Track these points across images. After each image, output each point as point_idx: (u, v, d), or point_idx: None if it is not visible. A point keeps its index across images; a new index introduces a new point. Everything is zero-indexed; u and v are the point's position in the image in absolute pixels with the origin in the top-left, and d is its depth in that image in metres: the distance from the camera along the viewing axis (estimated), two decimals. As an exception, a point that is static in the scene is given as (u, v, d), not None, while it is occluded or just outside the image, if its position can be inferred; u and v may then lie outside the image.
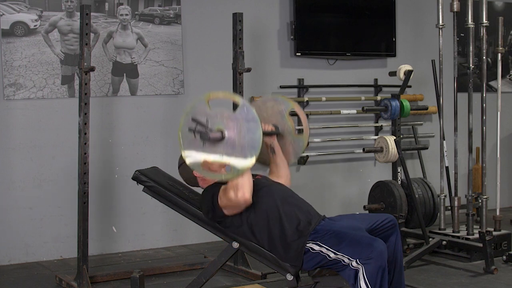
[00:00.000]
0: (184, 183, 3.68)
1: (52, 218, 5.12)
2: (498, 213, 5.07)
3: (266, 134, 3.52)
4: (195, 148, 3.23)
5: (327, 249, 3.14)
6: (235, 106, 3.25)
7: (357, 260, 3.04)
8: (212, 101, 3.26)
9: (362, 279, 3.01)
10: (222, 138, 3.18)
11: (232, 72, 4.75)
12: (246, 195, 3.22)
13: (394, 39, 6.30)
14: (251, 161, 3.14)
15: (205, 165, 3.28)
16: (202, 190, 3.48)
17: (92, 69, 4.22)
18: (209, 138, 3.17)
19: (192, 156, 3.25)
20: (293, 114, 3.72)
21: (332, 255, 3.13)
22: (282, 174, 3.68)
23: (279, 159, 3.68)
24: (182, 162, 3.54)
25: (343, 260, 3.09)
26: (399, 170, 5.30)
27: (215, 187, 3.36)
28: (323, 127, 6.11)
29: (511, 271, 4.60)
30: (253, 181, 3.37)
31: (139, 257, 5.19)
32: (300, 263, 3.22)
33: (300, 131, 3.75)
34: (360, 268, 3.03)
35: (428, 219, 5.36)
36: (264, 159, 3.68)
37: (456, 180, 5.17)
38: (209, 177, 3.31)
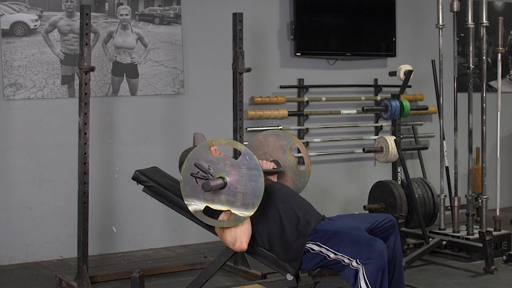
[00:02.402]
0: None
1: (52, 218, 5.12)
2: (498, 213, 5.07)
3: (267, 173, 3.51)
4: (197, 195, 3.21)
5: (327, 249, 3.15)
6: (235, 152, 3.25)
7: (357, 260, 3.04)
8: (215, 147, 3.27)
9: (362, 279, 3.01)
10: (224, 185, 3.17)
11: (232, 72, 4.75)
12: (244, 245, 3.26)
13: (394, 39, 6.30)
14: (252, 209, 3.13)
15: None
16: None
17: (92, 69, 4.22)
18: (210, 189, 3.14)
19: (194, 204, 3.23)
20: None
21: (332, 255, 3.13)
22: None
23: None
24: (182, 162, 3.53)
25: (343, 260, 3.09)
26: (399, 170, 5.30)
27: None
28: (323, 127, 6.11)
29: (511, 271, 4.60)
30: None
31: (139, 257, 5.19)
32: (299, 263, 3.22)
33: (302, 167, 3.74)
34: (360, 268, 3.03)
35: (428, 219, 5.36)
36: None
37: (456, 180, 5.17)
38: (213, 224, 3.28)
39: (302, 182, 3.73)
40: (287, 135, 3.75)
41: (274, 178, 3.69)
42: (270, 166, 3.66)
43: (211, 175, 3.17)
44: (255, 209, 3.13)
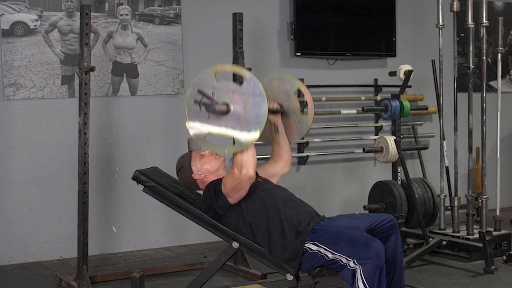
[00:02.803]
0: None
1: (52, 218, 5.12)
2: (498, 213, 5.07)
3: (271, 111, 3.47)
4: (200, 120, 3.21)
5: (325, 249, 3.15)
6: (241, 81, 3.23)
7: (355, 260, 3.04)
8: (219, 73, 3.24)
9: (360, 279, 3.01)
10: (228, 111, 3.16)
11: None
12: (250, 172, 3.21)
13: (394, 39, 6.30)
14: (255, 135, 3.12)
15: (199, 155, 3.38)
16: (203, 191, 3.48)
17: (92, 69, 4.22)
18: (214, 110, 3.14)
19: (196, 128, 3.23)
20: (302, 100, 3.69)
21: (330, 255, 3.13)
22: (284, 155, 3.66)
23: (281, 139, 3.65)
24: (180, 167, 3.53)
25: (341, 260, 3.09)
26: (399, 170, 5.30)
27: (216, 180, 3.37)
28: (323, 127, 6.11)
29: (511, 271, 4.60)
30: (254, 183, 3.38)
31: (139, 257, 5.19)
32: (298, 263, 3.22)
33: (305, 111, 3.73)
34: (357, 268, 3.03)
35: (428, 219, 5.36)
36: (267, 137, 3.66)
37: (456, 180, 5.17)
38: (213, 150, 3.28)
39: (305, 126, 3.70)
40: (291, 79, 3.71)
41: (278, 119, 3.65)
42: (275, 106, 3.62)
43: (215, 101, 3.16)
44: (258, 135, 3.12)
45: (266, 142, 3.73)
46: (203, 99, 3.19)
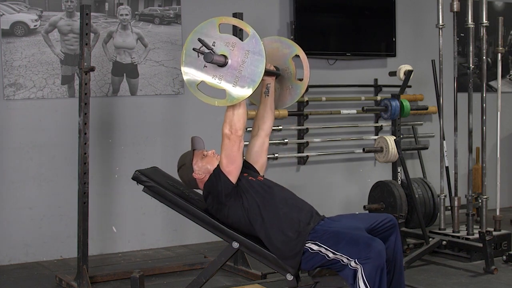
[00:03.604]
0: (184, 183, 3.69)
1: (52, 218, 5.12)
2: (498, 213, 5.07)
3: (267, 72, 3.46)
4: (196, 67, 3.21)
5: (326, 249, 3.15)
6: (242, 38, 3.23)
7: (356, 260, 3.04)
8: (222, 25, 3.22)
9: (361, 279, 3.01)
10: (225, 63, 3.15)
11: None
12: (239, 132, 3.24)
13: (394, 39, 6.30)
14: (247, 92, 3.12)
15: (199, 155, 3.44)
16: (203, 189, 3.48)
17: (92, 69, 4.22)
18: (212, 60, 3.13)
19: (191, 74, 3.22)
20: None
21: (331, 255, 3.13)
22: (267, 120, 3.64)
23: (269, 103, 3.65)
24: (181, 165, 3.53)
25: (342, 260, 3.09)
26: (399, 170, 5.30)
27: (213, 170, 3.39)
28: (323, 127, 6.11)
29: (511, 271, 4.60)
30: (254, 181, 3.38)
31: (139, 257, 5.19)
32: (299, 263, 3.22)
33: (300, 78, 3.71)
34: (358, 268, 3.03)
35: (428, 219, 5.36)
36: (256, 98, 3.66)
37: (456, 180, 5.17)
38: (203, 100, 3.25)
39: (298, 93, 3.71)
40: (292, 44, 3.71)
41: (272, 81, 3.64)
42: (271, 67, 3.62)
43: (213, 51, 3.15)
44: (250, 92, 3.12)
45: (254, 102, 3.73)
46: (202, 47, 3.17)
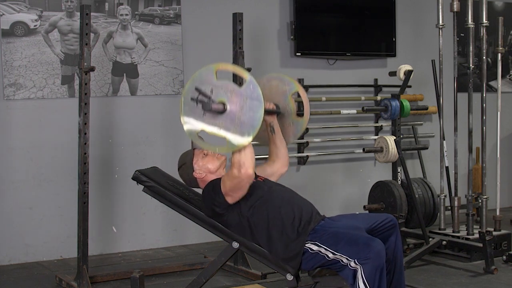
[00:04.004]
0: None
1: (52, 218, 5.12)
2: (498, 213, 5.07)
3: (267, 112, 3.48)
4: (195, 116, 3.22)
5: (325, 249, 3.15)
6: (241, 81, 3.24)
7: (355, 260, 3.04)
8: (219, 71, 3.23)
9: (361, 279, 3.01)
10: (224, 110, 3.16)
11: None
12: (249, 171, 3.21)
13: (394, 39, 6.30)
14: (247, 139, 3.13)
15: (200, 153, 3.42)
16: (202, 191, 3.48)
17: (92, 69, 4.22)
18: (211, 109, 3.15)
19: (191, 124, 3.23)
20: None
21: (330, 255, 3.13)
22: (281, 155, 3.66)
23: (278, 139, 3.66)
24: (182, 164, 3.54)
25: (342, 260, 3.09)
26: (399, 170, 5.30)
27: (216, 180, 3.38)
28: (323, 127, 6.11)
29: (511, 271, 4.60)
30: (254, 182, 3.38)
31: (139, 257, 5.19)
32: (299, 263, 3.22)
33: (301, 115, 3.73)
34: (358, 268, 3.03)
35: (428, 219, 5.35)
36: (263, 138, 3.67)
37: (456, 180, 5.17)
38: (204, 147, 3.28)
39: (299, 129, 3.71)
40: (291, 81, 3.71)
41: (274, 119, 3.65)
42: (271, 106, 3.62)
43: (212, 99, 3.16)
44: (250, 139, 3.12)
45: (262, 143, 3.74)
46: (200, 96, 3.19)
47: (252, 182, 3.30)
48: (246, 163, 3.20)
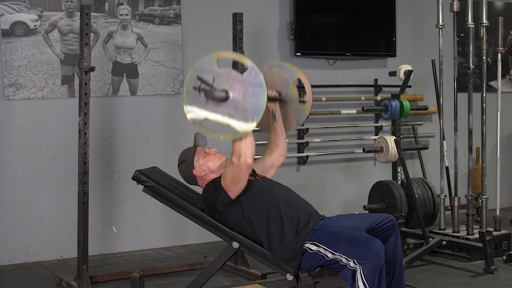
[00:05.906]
0: (184, 182, 3.68)
1: (52, 218, 5.12)
2: (498, 213, 5.07)
3: (269, 99, 3.46)
4: (198, 105, 3.22)
5: (324, 249, 3.15)
6: (242, 69, 3.23)
7: (355, 260, 3.04)
8: (220, 60, 3.23)
9: (360, 279, 3.01)
10: (226, 98, 3.16)
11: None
12: (248, 160, 3.21)
13: (394, 39, 6.30)
14: (251, 125, 3.12)
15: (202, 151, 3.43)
16: (202, 190, 3.48)
17: (92, 69, 4.22)
18: (213, 97, 3.15)
19: (194, 112, 3.23)
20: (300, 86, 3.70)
21: (330, 255, 3.13)
22: (280, 143, 3.66)
23: (279, 127, 3.66)
24: (182, 160, 3.54)
25: (341, 260, 3.09)
26: (399, 170, 5.29)
27: (216, 178, 3.38)
28: (323, 127, 6.11)
29: (511, 271, 4.60)
30: (253, 181, 3.38)
31: (139, 257, 5.19)
32: (298, 263, 3.22)
33: (303, 101, 3.73)
34: (357, 268, 3.03)
35: (428, 219, 5.36)
36: (265, 124, 3.67)
37: (456, 180, 5.17)
38: (208, 135, 3.27)
39: (303, 115, 3.71)
40: (292, 67, 3.71)
41: (276, 107, 3.65)
42: (273, 93, 3.62)
43: (214, 87, 3.16)
44: (254, 125, 3.12)
45: (263, 130, 3.73)
46: (202, 84, 3.19)
47: (250, 171, 3.29)
48: (247, 152, 3.20)
